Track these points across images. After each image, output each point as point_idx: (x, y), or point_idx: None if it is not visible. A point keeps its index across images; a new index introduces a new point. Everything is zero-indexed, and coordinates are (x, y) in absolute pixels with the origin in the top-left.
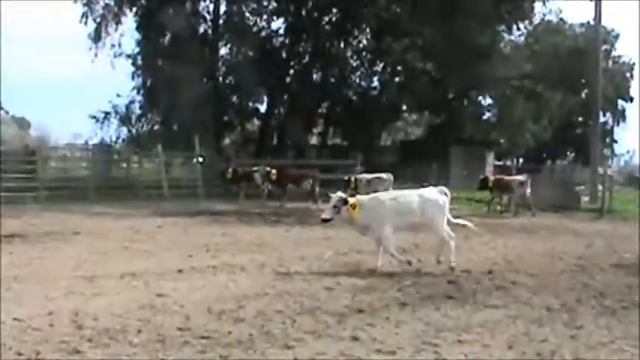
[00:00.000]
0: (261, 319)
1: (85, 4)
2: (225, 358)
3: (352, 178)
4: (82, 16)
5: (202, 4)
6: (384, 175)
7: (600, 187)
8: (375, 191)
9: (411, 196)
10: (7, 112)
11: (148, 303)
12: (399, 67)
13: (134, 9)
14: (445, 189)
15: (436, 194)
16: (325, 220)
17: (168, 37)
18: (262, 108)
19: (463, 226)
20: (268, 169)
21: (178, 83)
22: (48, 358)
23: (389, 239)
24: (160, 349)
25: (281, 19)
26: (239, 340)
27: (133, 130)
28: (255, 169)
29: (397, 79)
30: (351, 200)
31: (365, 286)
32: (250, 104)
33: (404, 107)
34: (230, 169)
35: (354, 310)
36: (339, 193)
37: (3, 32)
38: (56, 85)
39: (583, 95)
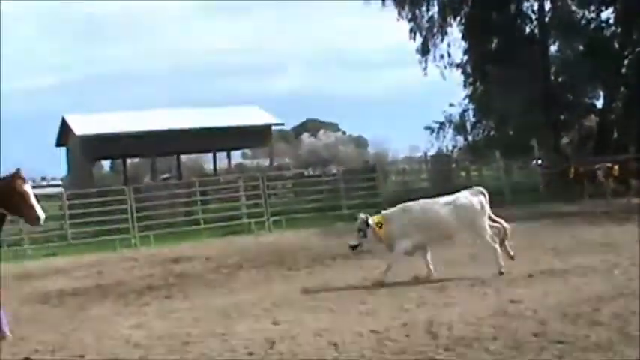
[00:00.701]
0: (618, 321)
1: (410, 20)
2: None
3: None
4: (410, 31)
5: (526, 4)
6: None
7: None
8: None
9: (437, 204)
10: (344, 133)
11: (501, 309)
12: None
13: (458, 18)
14: (481, 189)
15: (470, 197)
16: (353, 247)
17: (495, 42)
18: (599, 103)
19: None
20: (609, 165)
21: (510, 87)
22: None
23: (399, 255)
24: (517, 355)
25: (610, 9)
26: (597, 343)
27: (469, 138)
28: (597, 166)
29: None
30: (374, 219)
31: None
32: (586, 100)
33: None
34: (572, 168)
35: None
36: (362, 215)
37: (334, 55)
38: (390, 102)
39: None
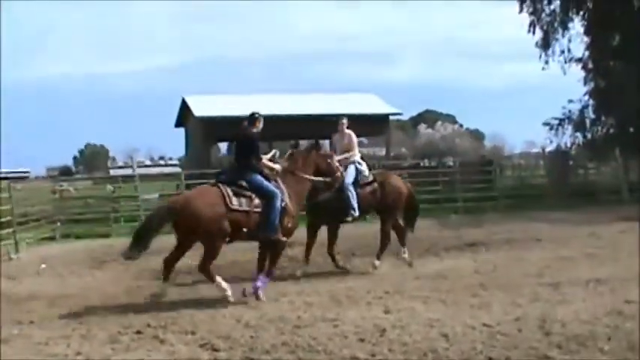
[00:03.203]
0: None
1: (530, 14)
2: None
3: None
4: (530, 25)
5: None
6: None
7: None
8: None
9: None
10: (461, 125)
11: (616, 309)
12: None
13: (581, 12)
14: None
15: None
16: None
17: (617, 38)
18: None
19: None
20: None
21: (631, 84)
22: None
23: None
24: (632, 357)
25: None
26: None
27: (588, 135)
28: None
29: None
30: None
31: None
32: None
33: None
34: None
35: None
36: None
37: (454, 46)
38: (508, 95)
39: None
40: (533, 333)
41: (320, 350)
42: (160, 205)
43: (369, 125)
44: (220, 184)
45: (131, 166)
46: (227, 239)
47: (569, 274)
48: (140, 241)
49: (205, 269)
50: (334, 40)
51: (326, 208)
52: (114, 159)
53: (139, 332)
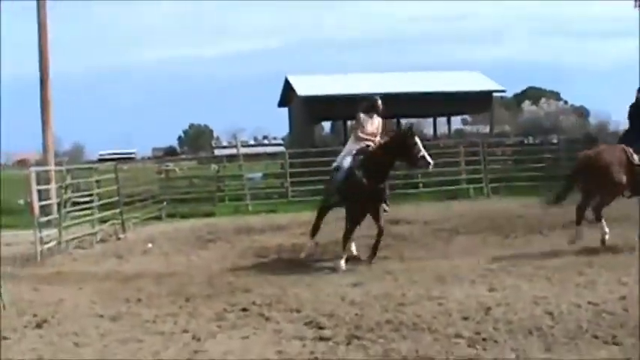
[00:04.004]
0: None
1: None
2: None
3: None
4: (636, 0)
5: None
6: None
7: None
8: None
9: None
10: (565, 102)
11: None
12: None
13: None
14: None
15: None
16: None
17: None
18: None
19: None
20: None
21: None
22: (624, 342)
23: None
24: None
25: None
26: None
27: None
28: None
29: None
30: None
31: None
32: None
33: None
34: None
35: None
36: None
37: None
38: (613, 72)
39: None
40: None
41: (424, 328)
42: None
43: (472, 102)
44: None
45: (235, 146)
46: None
47: None
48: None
49: None
50: (439, 21)
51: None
52: (218, 139)
53: (244, 310)
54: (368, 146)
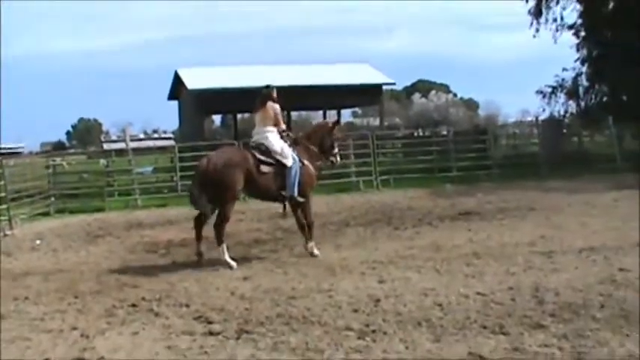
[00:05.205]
0: None
1: None
2: None
3: None
4: None
5: None
6: None
7: None
8: None
9: None
10: (455, 95)
11: (609, 277)
12: None
13: None
14: None
15: None
16: None
17: (612, 5)
18: None
19: None
20: None
21: (625, 52)
22: (511, 331)
23: None
24: (624, 324)
25: None
26: None
27: (582, 104)
28: None
29: None
30: None
31: None
32: None
33: None
34: None
35: None
36: None
37: (447, 15)
38: (502, 65)
39: None
40: (527, 301)
41: (314, 321)
42: None
43: (363, 95)
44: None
45: (124, 140)
46: None
47: (562, 242)
48: None
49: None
50: (330, 14)
51: None
52: (107, 133)
53: (133, 305)
54: (295, 138)
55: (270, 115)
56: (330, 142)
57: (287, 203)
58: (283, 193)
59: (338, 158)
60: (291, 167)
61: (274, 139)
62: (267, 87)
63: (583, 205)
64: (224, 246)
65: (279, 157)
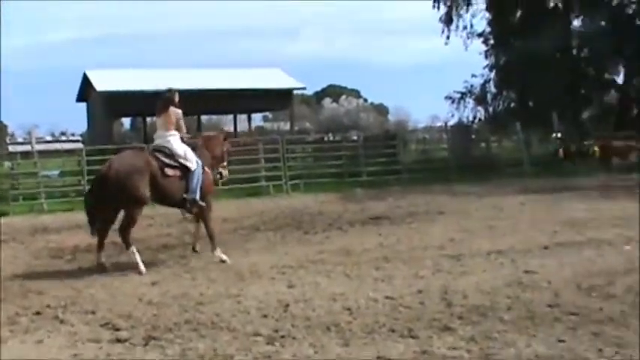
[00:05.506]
0: (632, 295)
1: None
2: (597, 335)
3: None
4: (435, 0)
5: None
6: None
7: None
8: None
9: None
10: (365, 100)
11: (516, 280)
12: None
13: None
14: None
15: None
16: None
17: (519, 14)
18: (619, 79)
19: None
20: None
21: (532, 59)
22: (420, 334)
23: None
24: (530, 325)
25: None
26: (610, 316)
27: (490, 109)
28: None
29: None
30: None
31: None
32: (607, 76)
33: None
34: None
35: None
36: None
37: (358, 21)
38: (412, 70)
39: None
40: (436, 304)
41: (223, 327)
42: None
43: (273, 99)
44: None
45: (30, 142)
46: None
47: (471, 245)
48: None
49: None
50: (240, 17)
51: None
52: (13, 135)
53: (38, 313)
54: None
55: (172, 120)
56: (220, 153)
57: (190, 208)
58: (185, 196)
59: (226, 172)
60: (194, 171)
61: (177, 143)
62: (169, 90)
63: (491, 208)
64: (133, 248)
65: (182, 161)
